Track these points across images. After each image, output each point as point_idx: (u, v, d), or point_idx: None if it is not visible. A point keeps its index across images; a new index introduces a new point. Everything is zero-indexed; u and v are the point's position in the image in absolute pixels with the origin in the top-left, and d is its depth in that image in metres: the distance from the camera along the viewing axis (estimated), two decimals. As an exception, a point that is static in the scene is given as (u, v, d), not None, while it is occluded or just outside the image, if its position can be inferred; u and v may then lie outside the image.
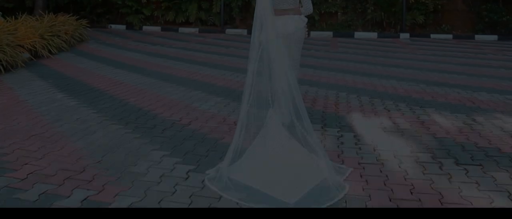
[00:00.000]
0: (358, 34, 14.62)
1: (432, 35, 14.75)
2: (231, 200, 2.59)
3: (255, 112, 3.15)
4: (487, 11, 14.41)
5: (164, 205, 2.51)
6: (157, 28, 16.74)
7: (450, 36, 14.72)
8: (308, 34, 3.94)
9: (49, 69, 7.57)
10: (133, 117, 4.36)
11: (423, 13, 15.06)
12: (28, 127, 4.01)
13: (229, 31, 15.62)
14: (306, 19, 3.88)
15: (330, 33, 14.79)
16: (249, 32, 14.94)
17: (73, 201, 2.53)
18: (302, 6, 3.90)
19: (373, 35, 14.54)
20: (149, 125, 4.10)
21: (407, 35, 14.50)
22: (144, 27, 17.03)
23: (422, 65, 8.13)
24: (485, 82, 6.40)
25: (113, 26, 17.64)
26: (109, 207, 2.51)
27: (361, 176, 2.94)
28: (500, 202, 2.55)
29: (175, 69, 7.51)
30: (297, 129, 3.00)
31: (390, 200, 2.58)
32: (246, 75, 3.20)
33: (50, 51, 9.33)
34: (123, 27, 17.34)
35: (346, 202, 2.57)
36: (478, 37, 14.34)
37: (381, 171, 3.01)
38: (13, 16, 10.53)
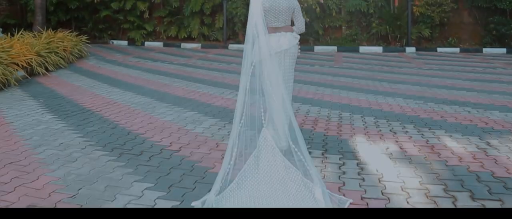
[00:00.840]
0: (363, 49, 14.34)
1: (439, 49, 14.44)
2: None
3: (248, 133, 3.04)
4: (494, 23, 14.09)
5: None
6: (159, 44, 16.57)
7: (457, 49, 14.40)
8: (299, 51, 3.75)
9: (43, 88, 7.34)
10: (121, 141, 4.07)
11: (429, 26, 14.77)
12: (6, 154, 3.73)
13: (232, 46, 15.40)
14: (298, 36, 3.71)
15: (335, 48, 14.52)
16: (251, 48, 14.70)
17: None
18: (294, 25, 3.75)
19: (378, 49, 14.25)
20: (136, 151, 3.80)
21: (413, 49, 14.19)
22: (146, 43, 16.87)
23: (430, 82, 7.82)
24: (497, 100, 6.06)
25: (115, 42, 17.51)
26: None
27: (364, 212, 2.62)
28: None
29: (173, 88, 7.25)
30: (295, 155, 2.86)
31: (398, 244, 2.26)
32: (238, 94, 3.11)
33: (47, 69, 9.15)
34: (125, 43, 17.21)
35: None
36: (486, 50, 14.01)
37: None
38: (10, 32, 10.40)
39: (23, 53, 8.45)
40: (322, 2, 14.53)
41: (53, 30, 14.18)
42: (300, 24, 3.74)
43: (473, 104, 5.77)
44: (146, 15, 17.10)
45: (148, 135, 4.30)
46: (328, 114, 5.20)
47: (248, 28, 3.25)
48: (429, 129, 4.48)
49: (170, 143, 3.99)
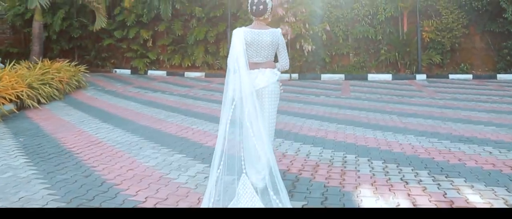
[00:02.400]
0: (371, 76, 13.82)
1: (451, 76, 13.86)
2: None
3: (226, 179, 2.94)
4: (508, 48, 13.52)
5: None
6: (162, 73, 16.25)
7: (470, 76, 13.82)
8: (282, 90, 3.53)
9: (29, 124, 6.91)
10: (90, 195, 3.54)
11: (440, 52, 14.26)
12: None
13: (236, 74, 14.99)
14: (278, 73, 3.45)
15: (342, 76, 14.03)
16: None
17: None
18: (278, 61, 3.52)
19: (388, 77, 13.72)
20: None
21: (423, 76, 13.64)
22: (150, 72, 16.56)
23: (443, 114, 7.25)
24: (520, 137, 5.48)
25: (118, 70, 17.23)
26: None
27: None
28: None
29: (166, 124, 6.77)
30: (274, 204, 2.78)
31: None
32: (218, 136, 3.05)
33: (39, 101, 8.78)
34: (128, 71, 16.91)
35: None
36: (500, 76, 13.41)
37: None
38: (11, 62, 10.09)
39: (12, 86, 8.07)
40: (329, 29, 14.13)
41: (55, 59, 13.98)
42: (284, 60, 3.51)
43: (494, 142, 5.19)
44: (150, 44, 16.85)
45: (124, 186, 3.76)
46: (331, 156, 4.64)
47: (229, 62, 3.17)
48: (446, 177, 3.89)
49: (146, 198, 3.43)
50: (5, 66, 10.63)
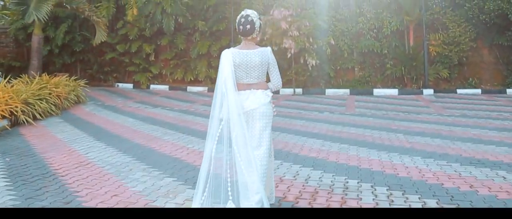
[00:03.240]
0: (377, 91, 13.51)
1: (459, 91, 13.53)
2: None
3: (211, 206, 2.93)
4: (518, 62, 13.21)
5: None
6: (164, 87, 16.04)
7: (479, 91, 13.47)
8: (275, 111, 3.42)
9: (19, 141, 6.66)
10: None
11: (447, 66, 13.93)
12: None
13: (239, 89, 14.74)
14: (270, 94, 3.36)
15: (347, 91, 13.73)
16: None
17: None
18: (270, 81, 3.44)
19: (394, 92, 13.40)
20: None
21: (431, 91, 13.31)
22: (152, 86, 16.36)
23: (452, 132, 6.91)
24: (534, 159, 5.14)
25: (120, 85, 17.06)
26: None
27: None
28: None
29: (161, 142, 6.50)
30: None
31: None
32: (203, 160, 3.04)
33: (35, 117, 8.56)
34: (130, 86, 16.74)
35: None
36: (510, 91, 13.10)
37: None
38: (13, 75, 9.92)
39: (6, 102, 7.87)
40: (333, 43, 13.86)
41: (54, 73, 13.83)
42: (276, 80, 3.41)
43: (507, 165, 4.84)
44: (152, 58, 16.68)
45: (105, 215, 3.48)
46: (332, 182, 4.31)
47: (217, 84, 3.14)
48: (457, 207, 3.56)
49: (126, 230, 3.16)
50: (2, 78, 10.49)
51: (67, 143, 6.52)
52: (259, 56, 3.25)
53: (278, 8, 13.52)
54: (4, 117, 7.57)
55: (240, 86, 3.23)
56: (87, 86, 12.89)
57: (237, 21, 3.29)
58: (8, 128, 7.51)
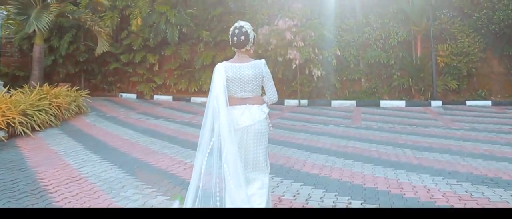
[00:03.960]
0: (384, 103, 13.23)
1: (468, 102, 13.22)
2: None
3: None
4: (529, 74, 12.88)
5: None
6: (168, 98, 15.88)
7: (489, 102, 13.16)
8: (271, 127, 3.26)
9: (14, 154, 6.47)
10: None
11: (456, 77, 13.64)
12: None
13: (244, 100, 14.54)
14: (267, 110, 3.19)
15: (353, 102, 13.46)
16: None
17: None
18: (265, 94, 3.28)
19: (401, 103, 13.12)
20: None
21: (439, 103, 13.02)
22: (155, 97, 16.21)
23: (462, 147, 6.62)
24: (551, 178, 4.84)
25: (124, 95, 16.93)
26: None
27: None
28: None
29: (159, 156, 6.28)
30: None
31: None
32: (191, 180, 2.97)
33: (34, 128, 8.39)
34: (134, 96, 16.61)
35: None
36: (521, 104, 12.73)
37: None
38: (16, 85, 9.79)
39: (3, 113, 7.70)
40: (339, 53, 13.63)
41: (58, 83, 13.73)
42: (271, 93, 3.26)
43: (522, 185, 4.56)
44: (156, 68, 16.55)
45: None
46: (334, 202, 4.01)
47: (209, 99, 3.04)
48: (469, 232, 3.29)
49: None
50: (3, 88, 10.37)
51: (62, 156, 6.32)
52: (253, 69, 3.12)
53: (283, 18, 13.34)
54: (1, 128, 7.39)
55: (235, 101, 3.11)
56: (90, 96, 12.76)
57: (230, 32, 3.19)
58: (4, 139, 7.34)
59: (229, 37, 3.19)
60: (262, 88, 3.27)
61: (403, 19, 14.06)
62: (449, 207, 3.85)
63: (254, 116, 3.09)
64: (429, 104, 12.89)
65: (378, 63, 14.08)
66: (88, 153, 6.55)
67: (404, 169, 5.28)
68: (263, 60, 3.24)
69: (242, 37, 3.13)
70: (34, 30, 11.12)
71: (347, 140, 7.42)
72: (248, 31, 3.15)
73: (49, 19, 9.95)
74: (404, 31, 13.84)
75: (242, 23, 3.21)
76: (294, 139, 7.52)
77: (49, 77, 17.58)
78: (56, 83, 12.78)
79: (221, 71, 3.07)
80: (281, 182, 4.77)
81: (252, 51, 3.25)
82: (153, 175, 5.17)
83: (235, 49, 3.21)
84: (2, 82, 13.39)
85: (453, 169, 5.26)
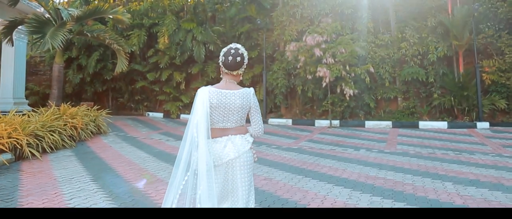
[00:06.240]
0: (423, 124, 12.15)
1: (519, 124, 11.91)
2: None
3: None
4: None
5: None
6: (194, 117, 15.36)
7: (543, 125, 11.79)
8: (256, 158, 2.92)
9: (9, 180, 6.01)
10: None
11: (505, 96, 12.38)
12: None
13: (272, 120, 13.83)
14: (251, 139, 2.88)
15: (389, 123, 12.45)
16: (295, 122, 12.77)
17: None
18: (250, 125, 2.98)
19: (442, 125, 11.98)
20: None
21: (486, 124, 11.79)
22: (182, 116, 15.79)
23: (516, 181, 5.60)
24: None
25: (150, 114, 16.62)
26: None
27: None
28: None
29: (161, 186, 5.63)
30: None
31: None
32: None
33: (45, 150, 8.00)
34: (160, 115, 16.24)
35: None
36: None
37: None
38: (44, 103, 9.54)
39: (9, 134, 7.32)
40: (373, 70, 12.72)
41: (82, 103, 13.52)
42: (258, 126, 2.94)
43: None
44: (183, 86, 16.18)
45: None
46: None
47: (188, 127, 2.73)
48: None
49: None
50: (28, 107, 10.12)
51: (59, 184, 5.78)
52: (240, 99, 2.81)
53: (311, 33, 12.60)
54: (2, 151, 6.99)
55: (215, 133, 2.79)
56: (116, 115, 12.45)
57: (224, 52, 2.88)
58: (7, 163, 6.92)
59: (222, 56, 2.86)
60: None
61: (442, 33, 13.00)
62: None
63: (239, 147, 2.78)
64: (475, 126, 11.71)
65: (416, 81, 13.05)
66: (88, 180, 5.99)
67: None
68: (252, 90, 2.93)
69: (238, 58, 2.84)
70: (62, 48, 10.97)
71: (378, 168, 6.52)
72: (244, 55, 2.88)
73: (64, 37, 9.69)
74: (444, 46, 12.77)
75: (238, 45, 2.93)
76: (318, 167, 6.70)
77: (78, 95, 17.61)
78: (80, 103, 12.53)
79: (205, 97, 2.73)
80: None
81: (241, 78, 2.96)
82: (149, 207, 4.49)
83: (226, 71, 2.87)
84: (27, 101, 13.32)
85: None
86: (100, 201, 4.92)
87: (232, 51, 2.88)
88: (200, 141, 2.62)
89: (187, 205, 2.60)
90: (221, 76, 2.95)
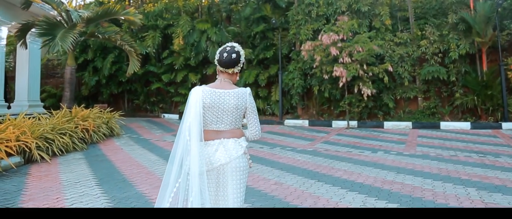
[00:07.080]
0: (445, 125, 11.68)
1: (548, 125, 11.34)
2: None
3: None
4: None
5: None
6: (209, 118, 15.20)
7: None
8: (251, 163, 2.76)
9: (14, 184, 5.92)
10: None
11: (532, 96, 11.81)
12: None
13: (289, 122, 13.55)
14: (245, 143, 2.68)
15: (409, 124, 12.01)
16: (311, 123, 12.38)
17: None
18: (246, 128, 2.81)
19: (465, 125, 11.49)
20: None
21: (511, 124, 11.24)
22: (196, 117, 15.64)
23: (546, 186, 5.19)
24: None
25: (166, 115, 16.53)
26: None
27: None
28: None
29: (167, 190, 5.41)
30: None
31: None
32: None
33: (54, 153, 7.91)
34: (176, 116, 16.14)
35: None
36: None
37: None
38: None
39: (17, 137, 7.23)
40: (392, 69, 12.30)
41: (96, 105, 13.49)
42: (255, 128, 2.77)
43: None
44: (198, 88, 16.06)
45: None
46: None
47: (181, 129, 2.59)
48: None
49: None
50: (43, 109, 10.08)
51: (63, 188, 5.63)
52: (235, 99, 2.64)
53: (327, 32, 12.27)
54: (11, 155, 6.90)
55: (207, 135, 2.62)
56: (131, 117, 12.36)
57: (220, 50, 2.75)
58: (14, 166, 6.83)
59: (217, 54, 2.73)
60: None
61: (464, 30, 12.48)
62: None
63: (231, 152, 2.60)
64: (500, 127, 11.18)
65: (437, 80, 12.58)
66: (93, 185, 5.83)
67: (468, 219, 4.01)
68: (248, 89, 2.76)
69: (234, 55, 2.69)
70: (79, 51, 10.95)
71: (396, 172, 6.17)
72: (241, 52, 2.75)
73: (74, 39, 9.63)
74: (466, 44, 12.26)
75: (234, 44, 2.81)
76: (332, 171, 6.39)
77: (94, 98, 17.66)
78: (95, 105, 12.50)
79: (198, 97, 2.59)
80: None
81: (237, 77, 2.82)
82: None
83: (221, 70, 2.74)
84: (43, 104, 13.35)
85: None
86: (105, 203, 4.75)
87: (228, 48, 2.75)
88: (192, 145, 2.48)
89: (180, 204, 2.49)
90: (216, 76, 2.79)
